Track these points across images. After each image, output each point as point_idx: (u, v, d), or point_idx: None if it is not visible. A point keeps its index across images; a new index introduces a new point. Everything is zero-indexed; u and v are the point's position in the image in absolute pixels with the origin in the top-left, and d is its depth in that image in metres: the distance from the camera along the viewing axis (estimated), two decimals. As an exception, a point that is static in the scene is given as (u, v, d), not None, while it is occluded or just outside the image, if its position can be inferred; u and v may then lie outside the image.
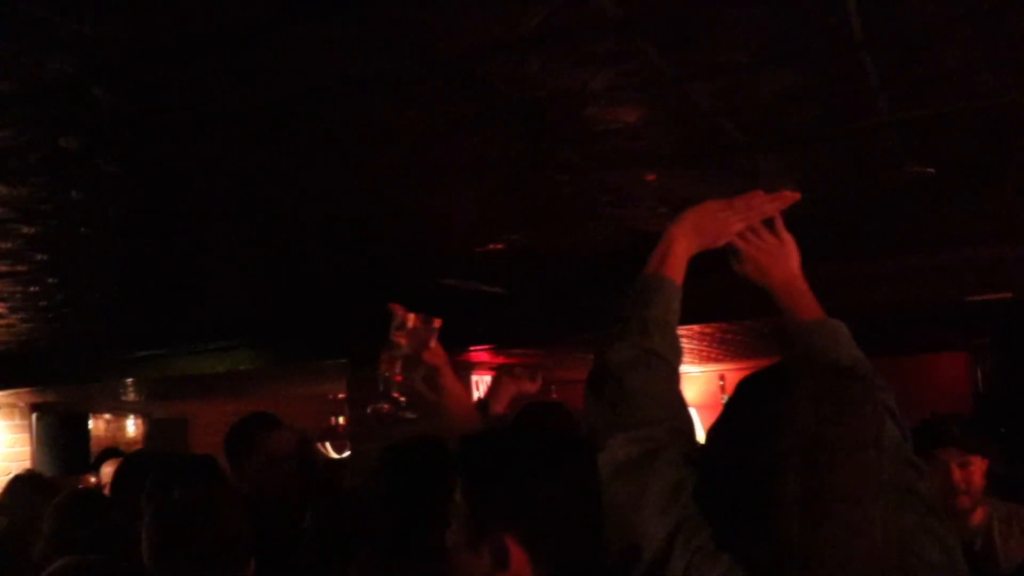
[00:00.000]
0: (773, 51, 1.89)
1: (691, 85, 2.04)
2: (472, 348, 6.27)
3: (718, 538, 1.51)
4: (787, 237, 2.11)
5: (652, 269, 1.95)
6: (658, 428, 1.67)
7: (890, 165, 2.73)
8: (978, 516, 3.22)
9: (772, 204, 2.05)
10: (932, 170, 2.78)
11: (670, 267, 1.96)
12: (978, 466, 3.21)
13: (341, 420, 11.41)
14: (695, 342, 7.42)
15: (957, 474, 3.17)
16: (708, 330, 6.53)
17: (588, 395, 1.79)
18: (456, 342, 6.00)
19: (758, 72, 1.99)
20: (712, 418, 1.66)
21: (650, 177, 2.67)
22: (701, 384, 11.36)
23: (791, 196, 2.02)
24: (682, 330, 6.14)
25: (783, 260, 2.13)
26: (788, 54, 1.91)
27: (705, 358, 9.33)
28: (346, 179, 2.61)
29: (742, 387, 1.61)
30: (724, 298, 5.07)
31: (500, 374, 3.30)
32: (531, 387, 3.27)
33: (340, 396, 10.61)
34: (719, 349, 8.25)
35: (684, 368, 11.04)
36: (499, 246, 3.58)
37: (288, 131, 2.17)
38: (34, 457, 9.06)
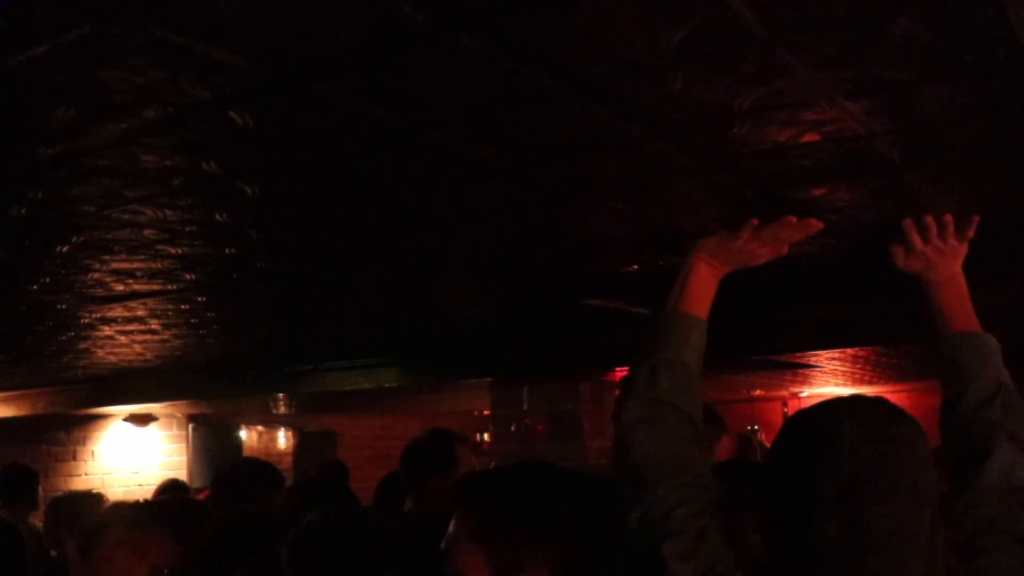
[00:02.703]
0: (935, 66, 1.76)
1: (846, 104, 1.92)
2: (618, 368, 6.20)
3: None
4: (964, 244, 2.06)
5: (669, 307, 1.91)
6: (661, 488, 1.64)
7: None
8: None
9: (799, 232, 2.02)
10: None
11: (688, 300, 1.92)
12: None
13: (486, 437, 11.46)
14: (847, 364, 7.17)
15: None
16: (862, 353, 6.29)
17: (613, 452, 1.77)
18: (601, 362, 5.95)
19: (919, 89, 1.87)
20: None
21: (801, 198, 2.54)
22: (855, 408, 10.96)
23: (817, 225, 1.98)
24: (833, 353, 5.93)
25: (952, 259, 2.08)
26: (952, 68, 1.78)
27: (858, 380, 9.02)
28: (494, 199, 2.57)
29: (789, 424, 1.57)
30: (880, 323, 4.92)
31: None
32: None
33: (485, 413, 10.66)
34: (873, 371, 7.95)
35: (835, 390, 10.78)
36: (634, 268, 3.49)
37: (431, 151, 2.13)
38: (189, 466, 9.38)
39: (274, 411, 10.11)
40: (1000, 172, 2.46)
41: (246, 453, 10.69)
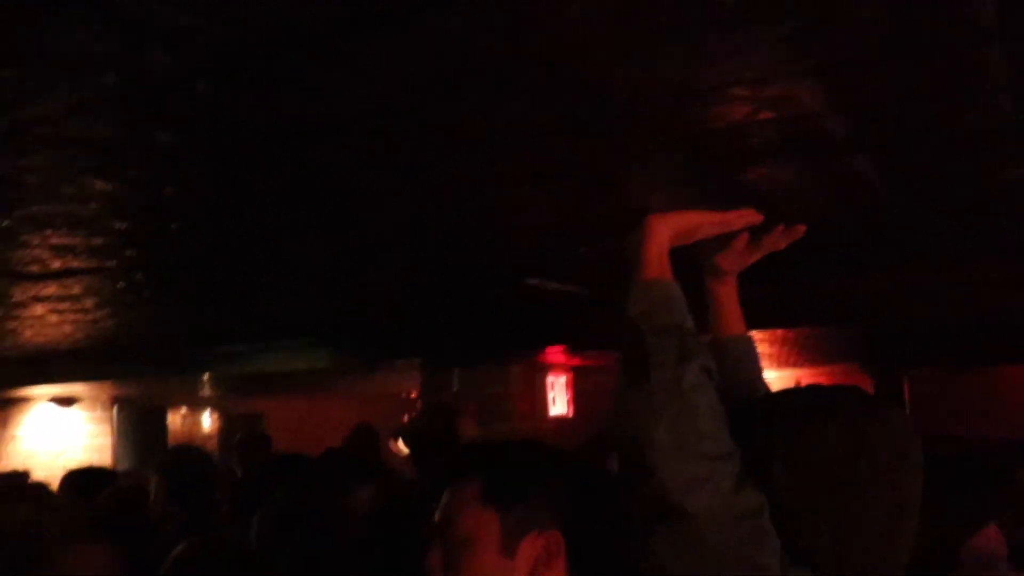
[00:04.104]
0: (891, 47, 1.80)
1: (802, 83, 1.96)
2: (548, 348, 6.22)
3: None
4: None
5: (659, 273, 1.84)
6: (735, 462, 1.62)
7: (1004, 167, 2.62)
8: None
9: (738, 222, 2.03)
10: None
11: (668, 271, 1.89)
12: None
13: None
14: (775, 346, 7.29)
15: None
16: (791, 335, 6.41)
17: (648, 419, 1.69)
18: (533, 342, 5.96)
19: (874, 69, 1.90)
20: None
21: (751, 177, 2.58)
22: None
23: (758, 217, 2.01)
24: (763, 334, 5.99)
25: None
26: (908, 48, 1.82)
27: (783, 363, 9.17)
28: (436, 181, 2.56)
29: (810, 408, 1.56)
30: (805, 303, 5.00)
31: None
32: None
33: (413, 395, 10.62)
34: (798, 354, 8.10)
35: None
36: (585, 250, 3.51)
37: (383, 130, 2.12)
38: (114, 449, 9.20)
39: (200, 393, 9.96)
40: (942, 154, 2.52)
41: (171, 436, 10.53)
